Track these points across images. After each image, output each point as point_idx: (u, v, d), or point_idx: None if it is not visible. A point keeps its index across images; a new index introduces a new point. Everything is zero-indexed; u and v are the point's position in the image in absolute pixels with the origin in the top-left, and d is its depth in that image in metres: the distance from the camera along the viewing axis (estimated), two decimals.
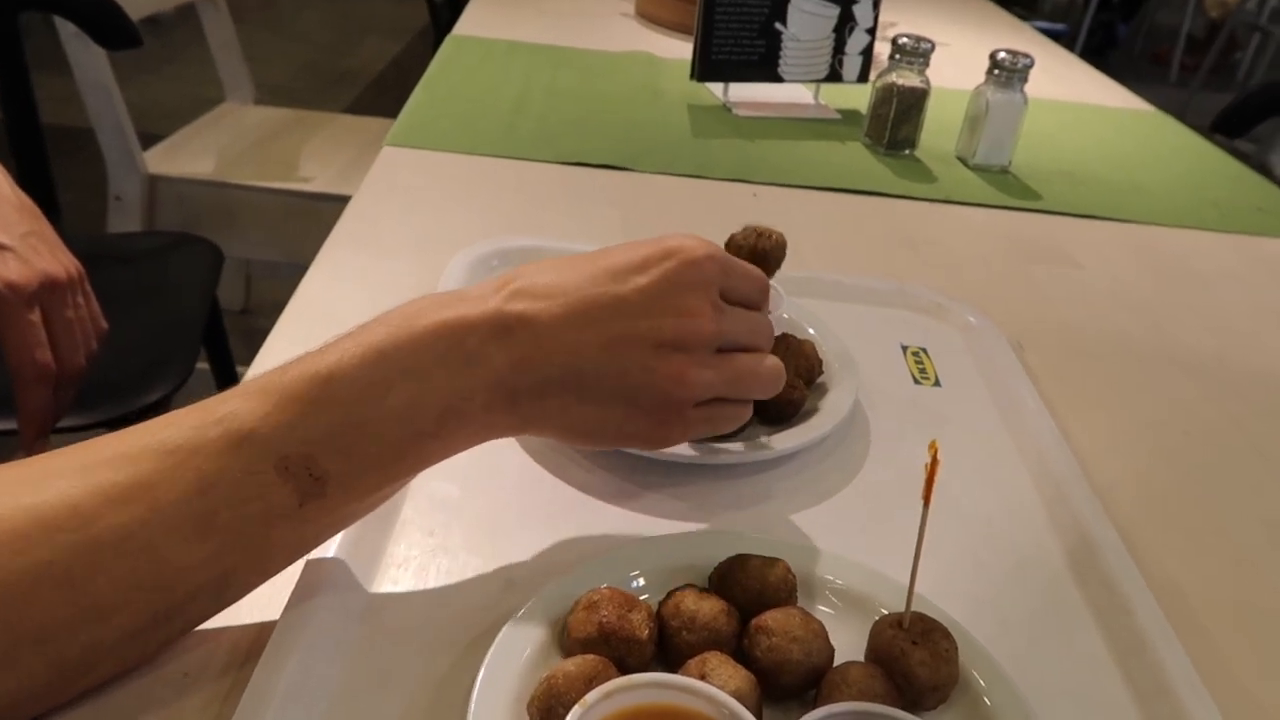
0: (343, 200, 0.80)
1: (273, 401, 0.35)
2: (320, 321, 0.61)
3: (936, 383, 0.62)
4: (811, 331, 0.61)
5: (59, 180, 1.35)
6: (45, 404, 0.61)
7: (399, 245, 0.72)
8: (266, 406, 0.35)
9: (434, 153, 0.88)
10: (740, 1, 1.05)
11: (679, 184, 0.89)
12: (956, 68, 1.23)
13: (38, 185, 1.28)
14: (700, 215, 0.85)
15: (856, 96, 1.11)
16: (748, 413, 0.45)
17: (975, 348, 0.66)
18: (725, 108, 1.09)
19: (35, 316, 0.60)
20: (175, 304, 1.14)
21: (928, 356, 0.64)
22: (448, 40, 1.21)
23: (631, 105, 1.07)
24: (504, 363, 0.38)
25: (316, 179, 1.56)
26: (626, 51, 1.25)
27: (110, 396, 0.95)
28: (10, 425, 0.66)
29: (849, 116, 1.10)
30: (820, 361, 0.57)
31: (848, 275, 0.72)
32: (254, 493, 0.34)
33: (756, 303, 0.45)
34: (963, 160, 1.02)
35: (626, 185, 0.88)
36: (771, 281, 0.61)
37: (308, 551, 0.38)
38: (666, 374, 0.40)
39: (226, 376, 1.24)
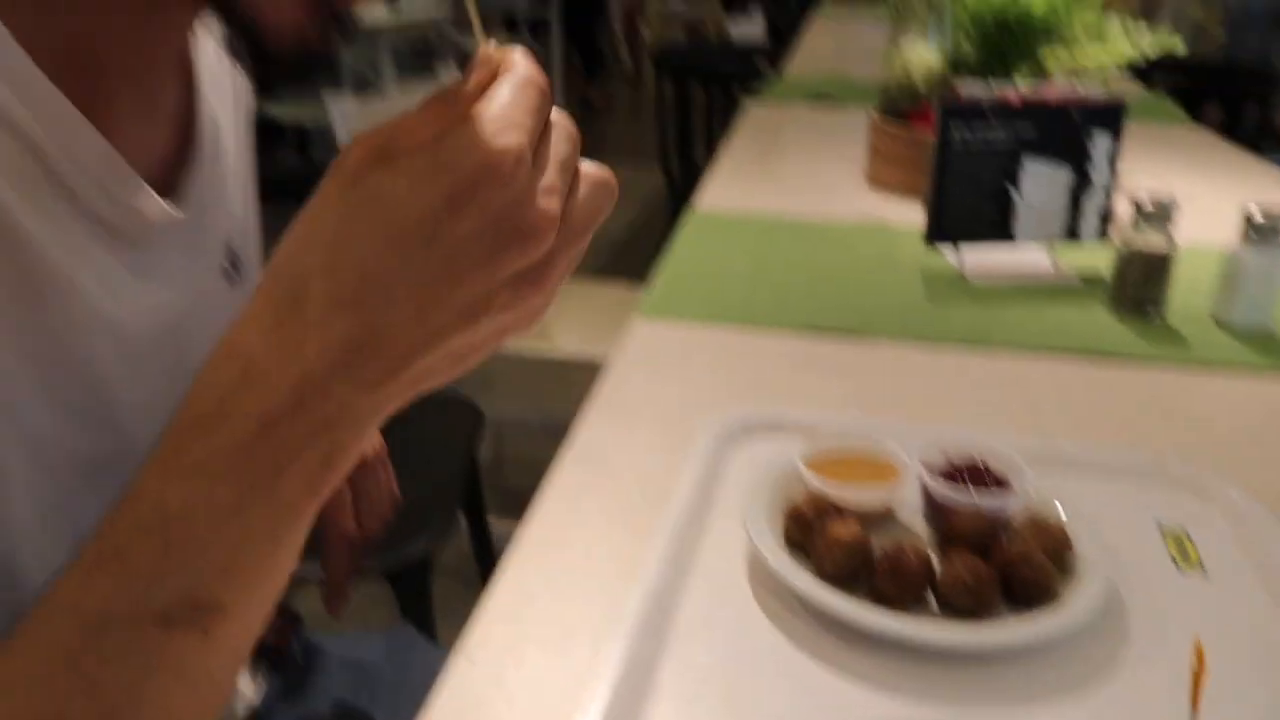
0: (589, 363, 0.87)
1: (120, 570, 0.34)
2: (586, 483, 0.67)
3: (1201, 569, 0.59)
4: (1060, 509, 0.60)
5: None
6: (346, 565, 0.70)
7: (647, 413, 0.78)
8: (114, 579, 0.34)
9: (678, 323, 0.95)
10: (971, 166, 1.08)
11: (913, 351, 0.91)
12: (1206, 220, 1.19)
13: None
14: (936, 382, 0.86)
15: (1097, 257, 1.10)
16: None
17: (1243, 531, 0.62)
18: (960, 274, 1.10)
19: (345, 488, 0.70)
20: (439, 462, 1.26)
21: (1189, 539, 0.62)
22: (689, 216, 1.30)
23: (865, 272, 1.11)
24: (353, 407, 0.34)
25: (564, 343, 1.69)
26: (859, 220, 1.29)
27: (381, 550, 1.06)
28: (316, 573, 0.76)
29: (1089, 279, 1.09)
30: (1069, 541, 0.56)
31: (1094, 447, 0.71)
32: (147, 658, 0.33)
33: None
34: (1218, 321, 0.97)
35: (861, 352, 0.91)
36: (1011, 454, 0.61)
37: (249, 644, 0.38)
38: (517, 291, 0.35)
39: (480, 529, 1.34)
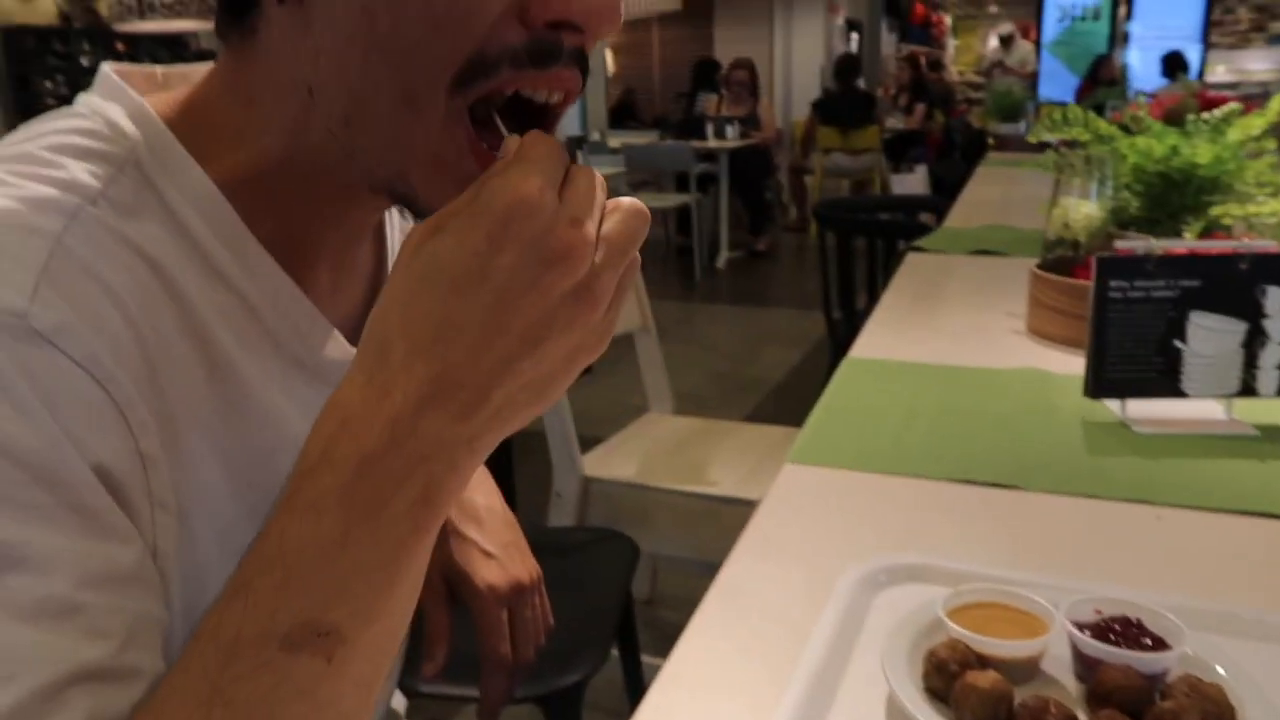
0: (743, 503, 0.90)
1: (247, 599, 0.39)
2: (731, 621, 0.70)
3: None
4: (1222, 673, 0.57)
5: (516, 475, 1.63)
6: (502, 689, 0.75)
7: (794, 554, 0.80)
8: (244, 607, 0.39)
9: (829, 468, 0.97)
10: (1132, 319, 1.07)
11: (1072, 504, 0.89)
12: None
13: (501, 479, 1.56)
14: (1096, 537, 0.84)
15: (1276, 409, 1.05)
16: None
17: None
18: (1123, 424, 1.08)
19: (504, 615, 0.75)
20: (595, 594, 1.30)
21: None
22: (845, 362, 1.33)
23: (1022, 422, 1.10)
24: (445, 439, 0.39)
25: (722, 483, 1.72)
26: (1017, 368, 1.29)
27: (533, 677, 1.09)
28: (473, 692, 0.81)
29: (1269, 432, 1.04)
30: (1233, 710, 0.54)
31: (1267, 611, 0.68)
32: (276, 681, 0.37)
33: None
34: None
35: (1016, 504, 0.90)
36: (1168, 614, 0.60)
37: (376, 678, 0.42)
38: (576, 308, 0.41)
39: (632, 663, 1.36)
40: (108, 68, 0.50)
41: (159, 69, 0.54)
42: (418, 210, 0.49)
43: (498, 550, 0.76)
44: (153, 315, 0.44)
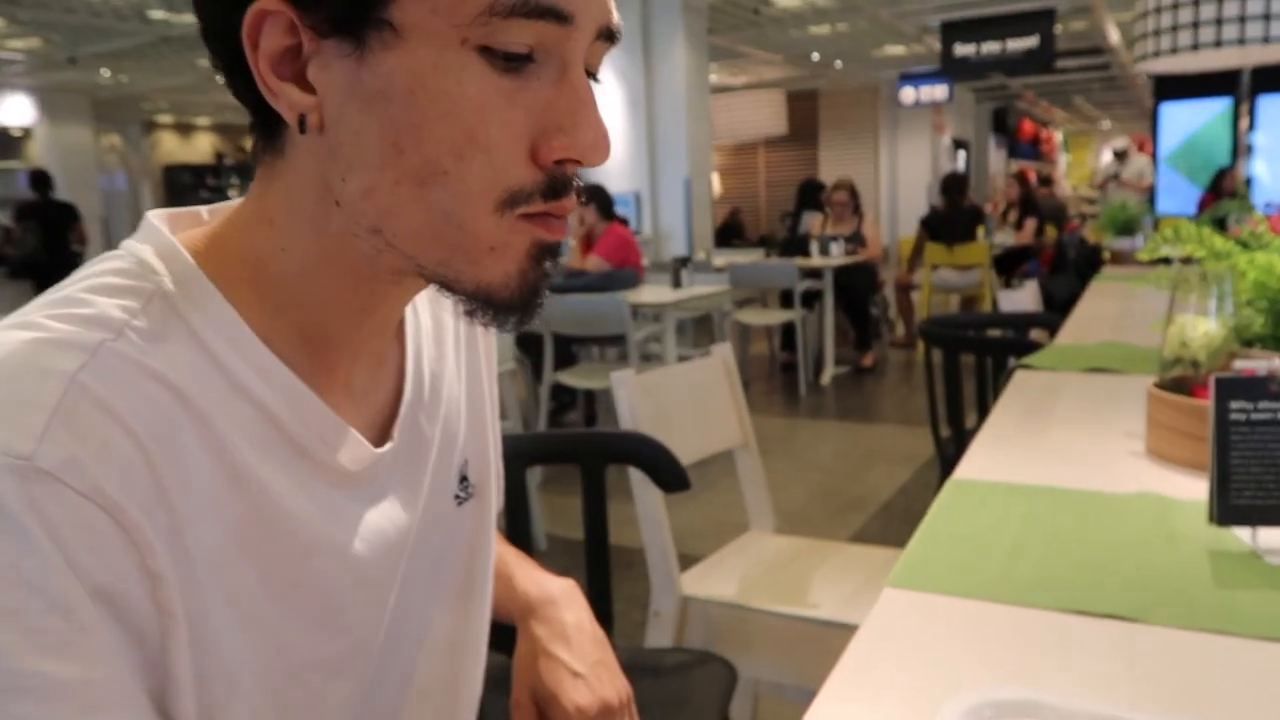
0: (846, 628, 0.88)
1: None
2: None
3: None
4: None
5: (614, 592, 1.62)
6: None
7: (892, 684, 0.77)
8: None
9: (931, 595, 0.94)
10: (1258, 441, 1.01)
11: (1197, 640, 0.84)
12: None
13: (599, 597, 1.55)
14: (1223, 677, 0.78)
15: None
16: None
17: None
18: (1254, 554, 1.01)
19: None
20: (692, 718, 1.27)
21: None
22: (949, 484, 1.30)
23: (1140, 550, 1.04)
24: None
25: (823, 606, 1.67)
26: (1134, 492, 1.23)
27: None
28: None
29: None
30: None
31: None
32: None
33: None
34: None
35: (1134, 639, 0.84)
36: None
37: None
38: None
39: None
40: (151, 214, 0.56)
41: (206, 209, 0.59)
42: (461, 289, 0.52)
43: (586, 670, 0.76)
44: (168, 438, 0.48)
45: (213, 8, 0.51)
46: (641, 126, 7.74)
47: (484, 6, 0.48)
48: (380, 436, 0.59)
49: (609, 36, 0.53)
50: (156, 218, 0.56)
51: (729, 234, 10.59)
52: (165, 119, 13.22)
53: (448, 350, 0.68)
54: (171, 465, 0.48)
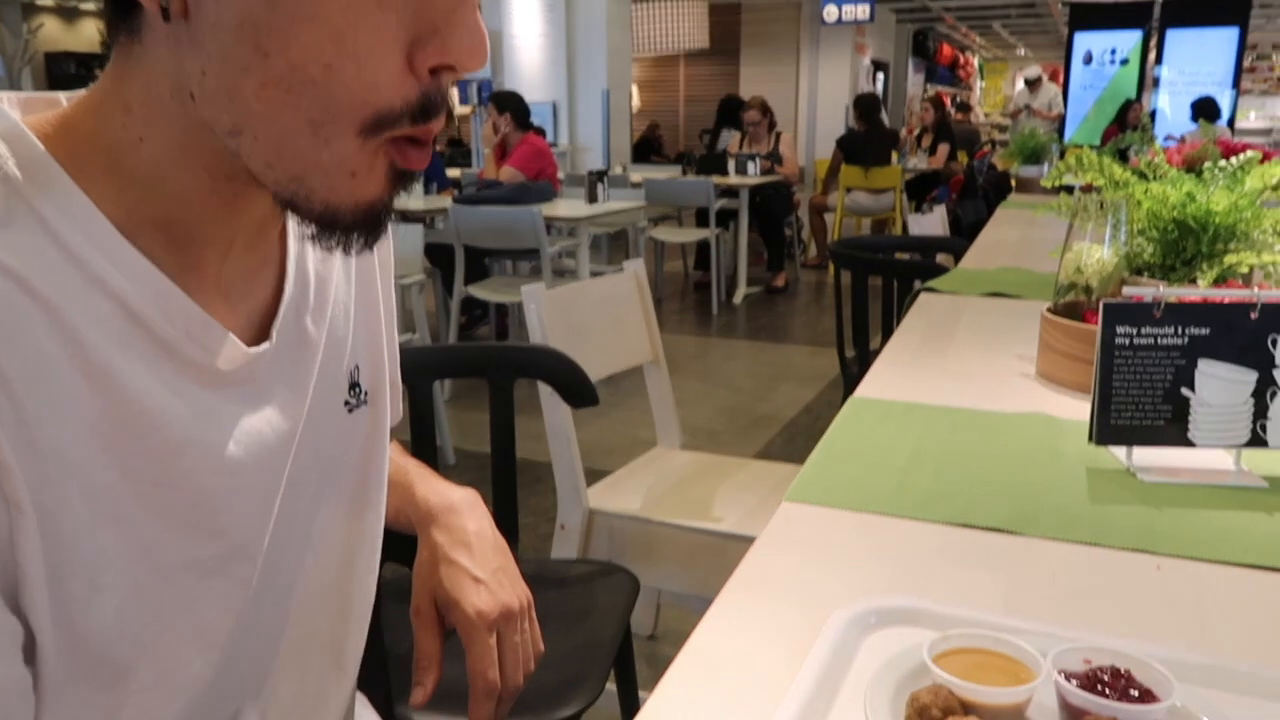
0: (747, 540, 0.90)
1: None
2: (719, 659, 0.69)
3: None
4: None
5: (520, 506, 1.63)
6: (491, 716, 0.74)
7: (786, 593, 0.79)
8: None
9: (827, 509, 0.97)
10: (1139, 366, 1.06)
11: (1071, 551, 0.88)
12: None
13: (505, 510, 1.56)
14: (1093, 586, 0.82)
15: None
16: None
17: None
18: (1129, 472, 1.06)
19: (492, 640, 0.74)
20: (594, 627, 1.29)
21: None
22: (850, 402, 1.33)
23: (1025, 468, 1.09)
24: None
25: (725, 519, 1.71)
26: (1024, 412, 1.28)
27: (528, 709, 1.08)
28: None
29: (1278, 484, 1.02)
30: None
31: (1265, 666, 0.66)
32: None
33: None
34: None
35: (1014, 550, 0.88)
36: (1158, 665, 0.59)
37: None
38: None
39: (630, 696, 1.35)
40: (1, 96, 0.52)
41: (64, 94, 0.55)
42: (309, 213, 0.50)
43: (487, 576, 0.76)
44: (8, 325, 0.46)
45: None
46: (560, 34, 7.53)
47: None
48: (260, 338, 0.57)
49: None
50: (5, 101, 0.52)
51: (647, 149, 10.48)
52: (47, 1, 12.32)
53: (336, 254, 0.65)
54: (14, 354, 0.46)
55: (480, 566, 0.77)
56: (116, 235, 0.50)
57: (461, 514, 0.81)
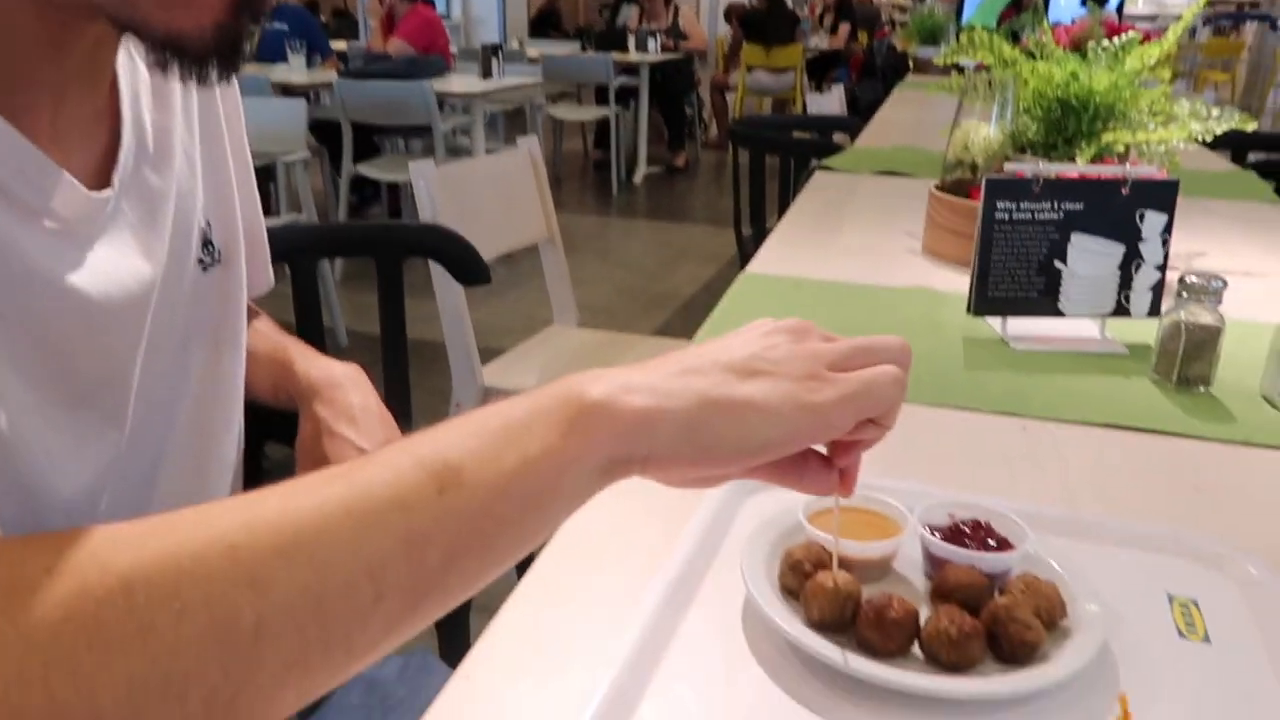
0: None
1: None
2: (600, 521, 0.70)
3: (1205, 639, 0.59)
4: (1059, 571, 0.60)
5: (415, 386, 1.61)
6: None
7: None
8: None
9: None
10: (1016, 239, 1.09)
11: (947, 416, 0.92)
12: (1268, 296, 1.17)
13: (398, 392, 1.54)
14: (965, 447, 0.86)
15: (1146, 330, 1.09)
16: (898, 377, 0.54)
17: (1256, 603, 0.61)
18: (1002, 341, 1.11)
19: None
20: None
21: (1197, 609, 0.61)
22: (741, 277, 1.34)
23: (907, 338, 1.12)
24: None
25: None
26: (908, 286, 1.31)
27: None
28: None
29: (1137, 351, 1.08)
30: (1063, 604, 0.57)
31: (1113, 517, 0.71)
32: (391, 477, 0.40)
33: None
34: (1269, 400, 0.96)
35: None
36: (1013, 515, 0.62)
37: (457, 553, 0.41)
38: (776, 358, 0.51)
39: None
40: None
41: None
42: (149, 35, 0.46)
43: (373, 448, 0.75)
44: None
45: None
46: None
47: None
48: (101, 186, 0.53)
49: None
50: None
51: (545, 24, 10.08)
52: None
53: (174, 106, 0.61)
54: None
55: (366, 439, 0.76)
56: None
57: (345, 388, 0.79)
